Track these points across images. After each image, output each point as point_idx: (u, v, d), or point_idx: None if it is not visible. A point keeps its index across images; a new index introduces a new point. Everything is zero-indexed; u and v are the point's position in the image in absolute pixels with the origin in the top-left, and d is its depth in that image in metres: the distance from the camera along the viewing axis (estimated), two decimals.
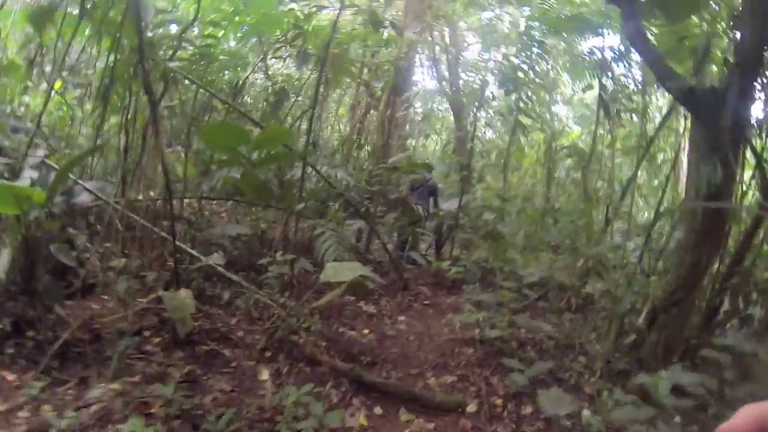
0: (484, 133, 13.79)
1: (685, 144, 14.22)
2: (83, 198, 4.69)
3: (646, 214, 13.06)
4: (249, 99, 11.65)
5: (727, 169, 4.99)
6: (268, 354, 4.50)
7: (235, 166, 4.42)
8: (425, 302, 7.40)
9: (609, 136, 11.01)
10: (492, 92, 10.25)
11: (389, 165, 7.71)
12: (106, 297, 4.91)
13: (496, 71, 9.58)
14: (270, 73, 9.98)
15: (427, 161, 8.36)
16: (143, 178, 5.77)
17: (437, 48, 15.13)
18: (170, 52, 5.58)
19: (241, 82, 8.88)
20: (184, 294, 3.63)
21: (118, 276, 4.97)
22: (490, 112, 12.97)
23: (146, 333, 4.50)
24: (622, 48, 10.34)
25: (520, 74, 9.13)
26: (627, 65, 10.40)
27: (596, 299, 8.46)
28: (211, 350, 4.42)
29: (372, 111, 14.01)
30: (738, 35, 5.36)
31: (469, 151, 10.22)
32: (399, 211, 8.43)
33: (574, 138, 13.77)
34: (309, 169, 6.41)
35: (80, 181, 5.11)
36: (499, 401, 4.74)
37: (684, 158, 14.29)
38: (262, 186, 4.09)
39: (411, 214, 8.21)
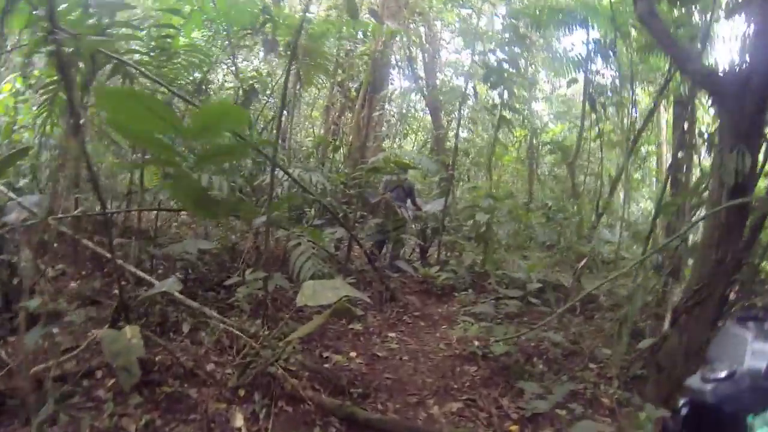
0: (462, 131, 13.11)
1: (664, 138, 13.82)
2: (14, 216, 3.83)
3: (631, 208, 12.52)
4: (216, 98, 10.77)
5: (752, 158, 4.41)
6: (241, 393, 3.72)
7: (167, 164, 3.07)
8: (415, 314, 6.67)
9: (595, 130, 10.42)
10: (473, 87, 9.55)
11: (368, 166, 6.96)
12: (56, 330, 4.06)
13: (479, 65, 8.91)
14: (239, 68, 9.15)
15: (410, 160, 7.58)
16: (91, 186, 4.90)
17: (413, 47, 14.48)
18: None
19: (204, 80, 8.06)
20: (130, 333, 2.78)
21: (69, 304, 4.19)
22: (470, 109, 12.30)
23: (98, 374, 3.69)
24: (607, 41, 9.80)
25: (505, 65, 8.46)
26: (613, 56, 9.81)
27: (599, 300, 7.86)
28: (174, 392, 3.62)
29: (347, 112, 13.28)
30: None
31: (453, 149, 9.50)
32: (381, 214, 7.70)
33: (555, 134, 13.20)
34: (281, 174, 5.63)
35: (14, 195, 4.27)
36: (514, 427, 4.06)
37: (666, 151, 13.87)
38: (204, 195, 3.01)
39: (394, 218, 7.47)
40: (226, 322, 4.07)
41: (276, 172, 4.69)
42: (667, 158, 13.49)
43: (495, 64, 8.65)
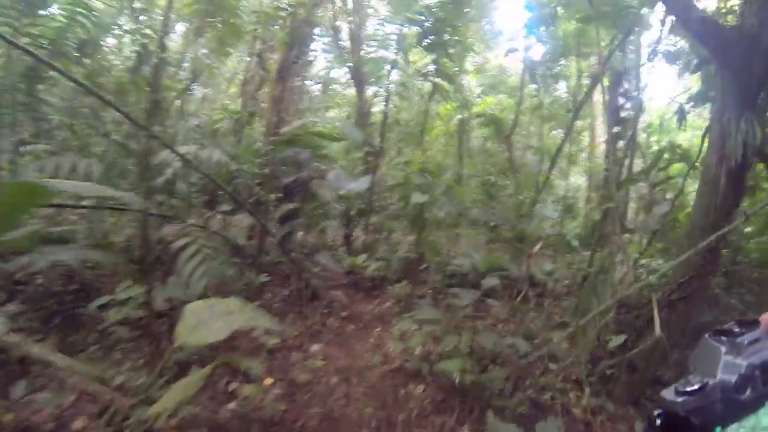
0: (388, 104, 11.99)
1: (598, 112, 13.27)
2: None
3: (564, 183, 11.88)
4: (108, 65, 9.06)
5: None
6: None
7: None
8: (343, 314, 5.53)
9: (533, 103, 9.56)
10: (403, 54, 8.36)
11: (281, 137, 5.66)
12: None
13: (413, 25, 7.73)
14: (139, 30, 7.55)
15: (331, 129, 6.34)
16: None
17: (339, 15, 13.13)
18: None
19: (93, 41, 6.50)
20: None
21: None
22: (399, 78, 11.13)
23: None
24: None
25: (439, 26, 7.34)
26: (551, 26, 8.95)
27: (551, 287, 7.03)
28: None
29: (266, 86, 11.85)
30: None
31: (381, 120, 8.32)
32: (299, 198, 6.42)
33: (487, 106, 12.29)
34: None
35: None
36: None
37: (599, 126, 13.34)
38: None
39: (312, 200, 6.18)
40: (77, 371, 2.76)
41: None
42: (598, 134, 12.96)
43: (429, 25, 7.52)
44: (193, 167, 4.07)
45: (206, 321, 2.35)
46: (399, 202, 6.93)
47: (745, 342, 0.88)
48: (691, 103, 5.92)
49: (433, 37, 7.22)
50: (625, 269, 5.09)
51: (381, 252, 6.82)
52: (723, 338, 0.91)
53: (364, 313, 5.66)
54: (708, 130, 5.32)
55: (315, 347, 4.57)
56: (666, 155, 6.66)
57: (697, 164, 5.06)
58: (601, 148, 12.62)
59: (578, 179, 13.78)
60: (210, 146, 4.56)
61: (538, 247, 5.76)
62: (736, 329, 0.92)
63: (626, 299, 5.41)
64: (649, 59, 6.80)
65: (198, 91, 16.70)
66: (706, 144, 5.22)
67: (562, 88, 11.26)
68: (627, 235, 5.68)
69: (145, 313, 3.21)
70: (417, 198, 5.29)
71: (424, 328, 4.54)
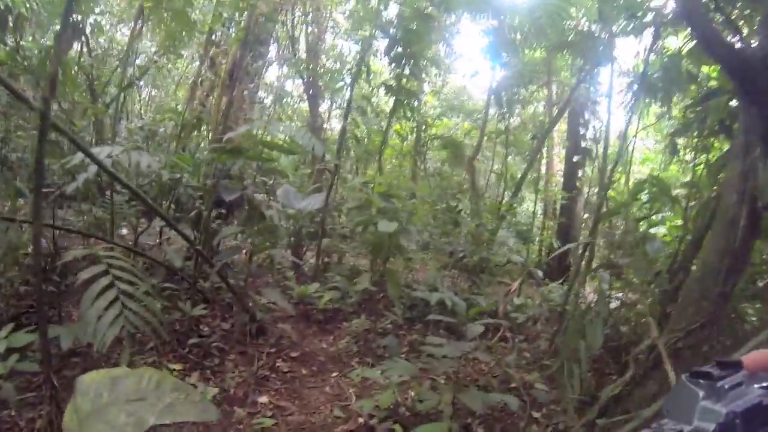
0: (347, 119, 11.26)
1: (556, 140, 12.95)
2: None
3: (527, 207, 11.39)
4: None
5: None
6: None
7: None
8: (293, 354, 4.66)
9: (497, 127, 9.03)
10: (366, 67, 7.61)
11: (227, 146, 4.72)
12: None
13: (380, 36, 7.02)
14: None
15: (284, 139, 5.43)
16: None
17: (297, 25, 12.35)
18: None
19: None
20: None
21: None
22: (361, 90, 10.40)
23: None
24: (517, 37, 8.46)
25: (409, 37, 6.64)
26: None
27: (522, 322, 6.35)
28: None
29: (216, 92, 10.88)
30: None
31: (340, 133, 7.50)
32: (244, 215, 5.43)
33: (446, 127, 11.73)
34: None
35: None
36: None
37: (556, 152, 13.01)
38: None
39: (261, 220, 5.20)
40: None
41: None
42: (555, 160, 12.60)
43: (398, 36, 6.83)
44: (108, 172, 3.14)
45: (106, 408, 1.51)
46: (356, 226, 6.12)
47: (726, 386, 0.75)
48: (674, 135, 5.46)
49: (401, 48, 6.51)
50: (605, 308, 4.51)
51: (335, 280, 5.96)
52: (701, 381, 0.77)
53: (318, 353, 4.81)
54: (709, 165, 4.85)
55: (263, 399, 3.69)
56: (647, 188, 6.15)
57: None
58: (559, 176, 12.28)
59: (531, 206, 13.37)
60: (138, 151, 3.60)
61: (516, 284, 5.07)
62: (716, 371, 0.78)
63: (616, 341, 4.85)
64: (629, 89, 6.27)
65: (145, 91, 15.50)
66: (708, 177, 4.75)
67: (525, 114, 10.81)
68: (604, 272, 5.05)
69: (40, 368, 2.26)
70: (385, 226, 4.51)
71: (392, 378, 3.73)
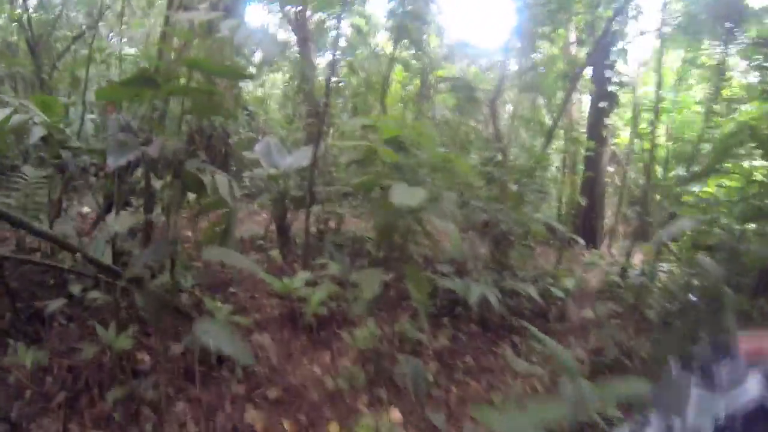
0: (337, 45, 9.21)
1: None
2: None
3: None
4: None
5: None
6: None
7: None
8: (271, 395, 2.91)
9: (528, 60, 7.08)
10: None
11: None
12: None
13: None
14: None
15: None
16: None
17: None
18: None
19: None
20: None
21: None
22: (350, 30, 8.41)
23: None
24: None
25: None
26: None
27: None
28: None
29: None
30: None
31: (327, 73, 5.44)
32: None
33: (450, 72, 9.68)
34: None
35: None
36: None
37: (576, 98, 11.02)
38: None
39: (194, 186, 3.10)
40: None
41: None
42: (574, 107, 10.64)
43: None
44: None
45: None
46: (357, 189, 4.27)
47: (723, 377, 0.67)
48: None
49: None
50: None
51: (330, 267, 4.11)
52: (694, 372, 0.69)
53: (309, 387, 3.05)
54: None
55: None
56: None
57: None
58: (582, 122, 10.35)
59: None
60: None
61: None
62: (710, 358, 0.69)
63: None
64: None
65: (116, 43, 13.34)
66: None
67: (549, 52, 8.75)
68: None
69: None
70: (403, 195, 2.61)
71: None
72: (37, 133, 2.69)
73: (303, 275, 3.91)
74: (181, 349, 2.93)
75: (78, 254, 2.84)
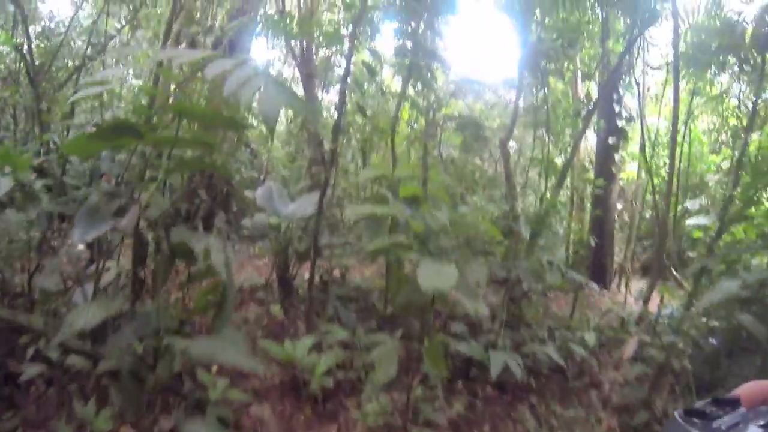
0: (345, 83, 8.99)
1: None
2: None
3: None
4: None
5: None
6: None
7: None
8: None
9: (534, 99, 6.85)
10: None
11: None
12: None
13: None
14: None
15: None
16: None
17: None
18: None
19: None
20: None
21: None
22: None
23: None
24: None
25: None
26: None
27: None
28: None
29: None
30: None
31: (337, 120, 5.13)
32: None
33: (456, 109, 9.49)
34: None
35: None
36: None
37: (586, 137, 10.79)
38: None
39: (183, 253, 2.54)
40: None
41: None
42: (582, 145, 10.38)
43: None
44: None
45: None
46: (371, 255, 3.90)
47: (723, 427, 0.66)
48: None
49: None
50: None
51: (337, 333, 3.75)
52: (695, 420, 0.68)
53: None
54: None
55: None
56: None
57: None
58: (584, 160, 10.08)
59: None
60: None
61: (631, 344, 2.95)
62: (712, 409, 0.69)
63: None
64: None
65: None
66: None
67: (557, 88, 8.54)
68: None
69: None
70: (433, 277, 2.29)
71: None
72: (4, 185, 2.46)
73: (307, 341, 3.56)
74: (170, 424, 2.60)
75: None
